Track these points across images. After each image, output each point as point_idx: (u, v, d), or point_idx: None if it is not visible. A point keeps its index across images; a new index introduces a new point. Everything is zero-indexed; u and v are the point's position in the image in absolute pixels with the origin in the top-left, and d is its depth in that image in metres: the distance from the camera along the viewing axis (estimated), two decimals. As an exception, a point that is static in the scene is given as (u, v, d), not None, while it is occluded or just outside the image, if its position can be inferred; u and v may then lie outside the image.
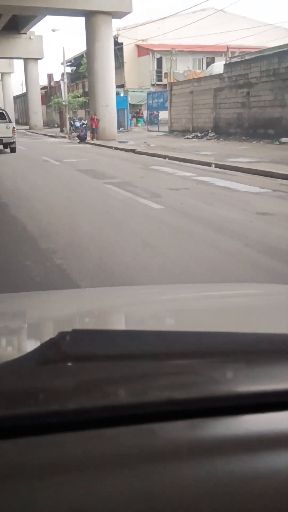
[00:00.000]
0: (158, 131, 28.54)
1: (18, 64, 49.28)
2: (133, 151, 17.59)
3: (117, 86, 26.85)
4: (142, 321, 1.23)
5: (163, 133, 27.21)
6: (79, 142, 24.26)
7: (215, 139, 21.23)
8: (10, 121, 17.58)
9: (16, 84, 63.03)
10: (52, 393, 0.57)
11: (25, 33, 41.84)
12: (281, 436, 0.53)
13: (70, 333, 0.66)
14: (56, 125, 48.57)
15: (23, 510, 0.44)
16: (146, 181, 9.95)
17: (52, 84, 51.84)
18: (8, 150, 17.48)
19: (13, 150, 17.34)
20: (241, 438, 0.52)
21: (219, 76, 22.42)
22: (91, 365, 0.63)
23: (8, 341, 1.09)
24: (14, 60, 57.83)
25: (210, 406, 0.56)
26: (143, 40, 37.84)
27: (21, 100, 65.53)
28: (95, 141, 23.70)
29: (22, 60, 43.79)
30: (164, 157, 14.92)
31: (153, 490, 0.46)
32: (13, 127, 17.10)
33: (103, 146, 21.34)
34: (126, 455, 0.50)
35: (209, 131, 22.86)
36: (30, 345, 0.70)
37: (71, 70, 50.64)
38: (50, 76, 53.41)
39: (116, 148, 19.60)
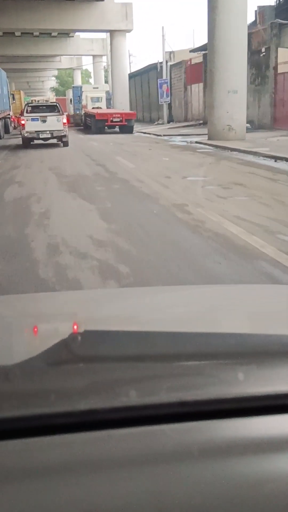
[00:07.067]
0: None
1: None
2: None
3: None
4: (151, 323, 1.16)
5: None
6: None
7: None
8: (62, 114, 16.99)
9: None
10: (63, 394, 0.58)
11: None
12: None
13: (81, 334, 0.70)
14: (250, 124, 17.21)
15: (35, 509, 0.45)
16: None
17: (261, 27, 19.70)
18: (61, 144, 16.73)
19: (65, 144, 16.62)
20: (252, 440, 0.52)
21: None
22: (101, 366, 0.64)
23: (19, 342, 1.06)
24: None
25: (221, 408, 0.55)
26: None
27: (138, 80, 38.20)
28: None
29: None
30: None
31: (163, 491, 0.46)
32: (64, 122, 16.62)
33: None
34: (136, 455, 0.50)
35: None
36: (41, 346, 0.70)
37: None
38: (261, 13, 20.35)
39: None
